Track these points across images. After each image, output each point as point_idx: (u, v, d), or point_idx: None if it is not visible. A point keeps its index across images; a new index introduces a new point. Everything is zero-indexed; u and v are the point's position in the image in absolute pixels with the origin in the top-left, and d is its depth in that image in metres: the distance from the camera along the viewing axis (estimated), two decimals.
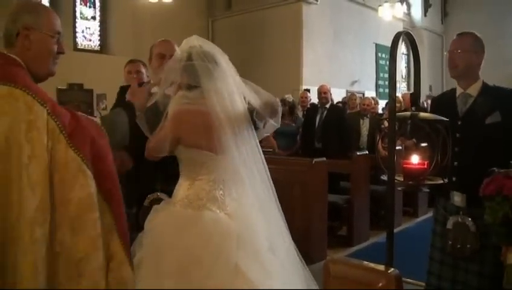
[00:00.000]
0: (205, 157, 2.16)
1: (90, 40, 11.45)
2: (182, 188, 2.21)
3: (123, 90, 3.09)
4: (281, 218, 2.29)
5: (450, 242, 2.51)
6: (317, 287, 2.18)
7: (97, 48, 11.53)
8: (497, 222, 1.96)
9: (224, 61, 2.28)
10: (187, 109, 2.18)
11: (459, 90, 2.66)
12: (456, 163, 2.52)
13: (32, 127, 1.39)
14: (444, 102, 2.77)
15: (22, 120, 1.38)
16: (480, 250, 2.42)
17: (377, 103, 7.70)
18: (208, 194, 2.15)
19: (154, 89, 2.32)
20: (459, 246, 2.47)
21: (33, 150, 1.38)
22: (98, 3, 11.58)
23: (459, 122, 2.57)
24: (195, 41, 2.30)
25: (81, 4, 11.26)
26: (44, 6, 1.77)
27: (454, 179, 2.53)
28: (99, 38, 11.61)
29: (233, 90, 2.27)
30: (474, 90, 2.60)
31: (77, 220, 1.42)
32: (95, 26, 11.57)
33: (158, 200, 2.48)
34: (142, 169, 2.62)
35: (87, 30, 11.44)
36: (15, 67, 1.53)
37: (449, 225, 2.53)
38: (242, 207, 2.21)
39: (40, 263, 1.36)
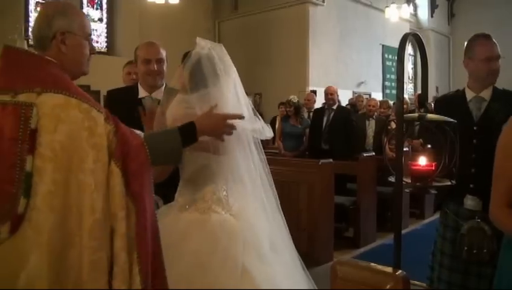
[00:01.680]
0: (208, 159, 2.15)
1: (97, 42, 11.50)
2: (186, 191, 2.19)
3: (111, 95, 3.08)
4: (281, 218, 2.29)
5: (465, 248, 2.46)
6: None
7: (104, 49, 11.57)
8: None
9: (232, 71, 2.27)
10: (189, 113, 2.12)
11: (470, 94, 2.61)
12: (473, 170, 2.48)
13: (93, 133, 1.41)
14: (454, 105, 2.67)
15: (81, 128, 1.40)
16: (496, 254, 2.39)
17: (389, 107, 7.60)
18: (212, 196, 2.14)
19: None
20: (475, 251, 2.43)
21: (98, 155, 1.40)
22: (104, 5, 11.63)
23: (475, 128, 2.53)
24: (208, 45, 2.29)
25: (88, 6, 11.32)
26: (76, 8, 1.74)
27: (471, 185, 2.49)
28: (106, 40, 11.66)
29: (239, 97, 2.26)
30: (486, 94, 2.57)
31: None
32: (101, 28, 11.62)
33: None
34: None
35: (94, 32, 11.48)
36: (62, 74, 1.53)
37: (463, 230, 2.49)
38: (245, 207, 2.20)
39: (105, 263, 1.40)
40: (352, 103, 9.49)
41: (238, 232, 2.07)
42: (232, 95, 2.20)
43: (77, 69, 1.66)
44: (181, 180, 2.23)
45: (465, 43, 2.70)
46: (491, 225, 2.38)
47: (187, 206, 2.15)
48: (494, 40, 2.59)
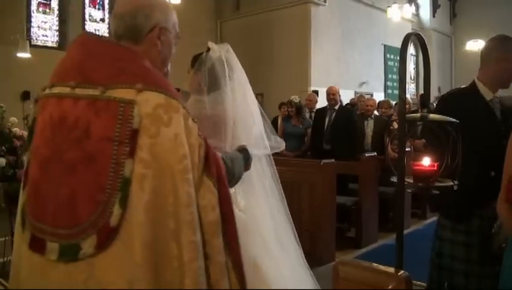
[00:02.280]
0: None
1: None
2: None
3: None
4: (287, 215, 2.33)
5: (502, 244, 2.41)
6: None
7: None
8: None
9: (243, 75, 2.35)
10: (204, 114, 2.17)
11: (488, 95, 2.57)
12: (493, 173, 2.41)
13: (190, 134, 1.23)
14: (470, 105, 2.58)
15: (182, 131, 1.22)
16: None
17: (390, 107, 7.57)
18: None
19: None
20: (504, 245, 2.40)
21: (193, 158, 1.22)
22: (106, 6, 11.64)
23: (502, 128, 2.48)
24: (220, 49, 2.35)
25: (90, 6, 11.33)
26: (171, 5, 1.58)
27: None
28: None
29: (248, 101, 2.32)
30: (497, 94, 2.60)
31: None
32: (104, 28, 11.62)
33: None
34: None
35: (96, 32, 11.50)
36: (158, 71, 1.36)
37: (496, 229, 2.43)
38: (252, 204, 2.23)
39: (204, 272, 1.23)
40: (352, 103, 9.47)
41: (248, 228, 2.10)
42: (241, 98, 2.26)
43: (162, 68, 1.49)
44: None
45: (485, 41, 2.66)
46: None
47: None
48: None
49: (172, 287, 1.17)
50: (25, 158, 1.36)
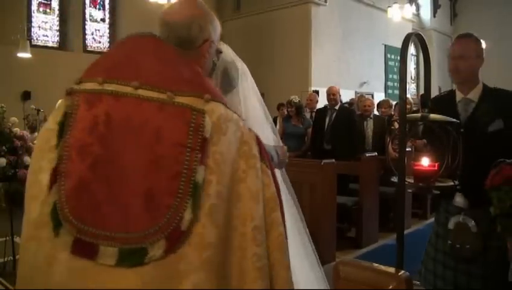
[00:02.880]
0: None
1: (99, 42, 11.53)
2: None
3: None
4: (300, 217, 2.40)
5: (449, 242, 2.49)
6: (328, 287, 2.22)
7: (106, 49, 11.58)
8: (504, 212, 1.93)
9: (250, 78, 2.42)
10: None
11: (459, 95, 2.59)
12: (458, 172, 2.48)
13: (242, 142, 1.28)
14: (443, 106, 2.67)
15: (236, 139, 1.27)
16: (483, 252, 2.39)
17: (390, 106, 7.59)
18: None
19: None
20: (458, 245, 2.45)
21: (247, 163, 1.26)
22: (107, 6, 11.66)
23: (462, 130, 2.48)
24: (229, 51, 2.41)
25: (90, 6, 11.34)
26: (216, 18, 1.57)
27: (458, 187, 2.50)
28: (108, 40, 11.69)
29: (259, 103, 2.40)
30: (475, 95, 2.54)
31: None
32: (104, 28, 11.65)
33: None
34: None
35: (97, 32, 11.52)
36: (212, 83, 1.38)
37: (450, 225, 2.50)
38: None
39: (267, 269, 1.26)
40: (349, 103, 9.46)
41: None
42: (253, 100, 2.32)
43: None
44: None
45: None
46: (477, 222, 2.39)
47: None
48: (470, 39, 2.55)
49: (237, 282, 1.21)
50: (53, 155, 1.21)
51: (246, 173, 1.25)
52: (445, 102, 2.67)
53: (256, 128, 2.28)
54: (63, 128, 1.23)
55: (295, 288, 1.39)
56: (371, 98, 7.73)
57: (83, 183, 1.17)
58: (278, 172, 2.39)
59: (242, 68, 2.32)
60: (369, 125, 6.87)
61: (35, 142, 5.61)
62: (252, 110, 2.31)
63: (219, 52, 1.58)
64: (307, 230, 2.47)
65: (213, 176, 1.19)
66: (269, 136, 2.34)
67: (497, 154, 2.28)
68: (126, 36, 1.37)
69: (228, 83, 2.26)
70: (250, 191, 1.25)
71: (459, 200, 2.50)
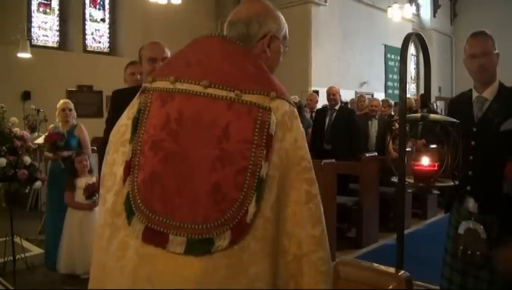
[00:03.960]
0: None
1: (99, 42, 11.53)
2: None
3: (117, 94, 3.08)
4: None
5: (461, 247, 2.46)
6: None
7: (106, 49, 11.60)
8: None
9: None
10: None
11: (475, 94, 2.56)
12: (470, 172, 2.45)
13: (296, 138, 1.35)
14: (460, 105, 2.64)
15: (301, 137, 1.36)
16: (491, 259, 2.35)
17: (389, 106, 7.62)
18: None
19: None
20: (469, 252, 2.42)
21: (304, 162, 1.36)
22: (107, 6, 11.65)
23: (474, 129, 2.48)
24: None
25: (90, 6, 11.34)
26: (282, 17, 1.63)
27: (468, 188, 2.47)
28: (108, 40, 11.69)
29: None
30: (490, 93, 2.50)
31: None
32: (104, 28, 11.64)
33: None
34: None
35: (97, 32, 11.51)
36: (277, 79, 1.44)
37: (460, 230, 2.47)
38: None
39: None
40: (345, 103, 9.43)
41: None
42: None
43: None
44: None
45: None
46: (487, 228, 2.37)
47: None
48: (486, 36, 2.52)
49: (285, 279, 1.28)
50: (126, 148, 1.29)
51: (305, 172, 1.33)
52: (462, 101, 2.64)
53: None
54: (136, 123, 1.31)
55: None
56: (378, 99, 7.74)
57: (154, 176, 1.23)
58: None
59: None
60: (374, 126, 6.88)
61: (35, 141, 5.58)
62: None
63: (286, 48, 1.62)
64: None
65: (277, 171, 1.25)
66: None
67: (509, 154, 2.25)
68: (195, 38, 1.45)
69: None
70: (306, 188, 1.33)
71: (469, 204, 2.47)
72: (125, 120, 1.36)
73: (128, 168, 1.27)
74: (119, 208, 1.25)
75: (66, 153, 4.81)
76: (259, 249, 1.21)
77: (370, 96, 10.74)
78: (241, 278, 1.19)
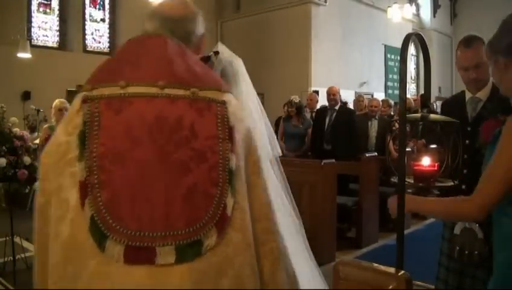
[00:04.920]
0: None
1: (99, 42, 11.53)
2: None
3: None
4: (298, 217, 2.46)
5: (457, 248, 2.47)
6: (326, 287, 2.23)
7: (106, 49, 11.61)
8: None
9: (248, 80, 2.51)
10: None
11: (468, 95, 2.59)
12: (465, 171, 2.46)
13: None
14: (453, 106, 2.69)
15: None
16: (489, 257, 2.38)
17: (389, 106, 7.63)
18: None
19: None
20: (467, 252, 2.43)
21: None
22: (107, 6, 11.66)
23: (469, 129, 2.51)
24: (228, 53, 2.49)
25: (90, 6, 11.34)
26: None
27: (463, 187, 2.48)
28: (108, 40, 11.69)
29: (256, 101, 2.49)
30: (483, 94, 2.54)
31: None
32: (104, 28, 11.64)
33: None
34: None
35: (97, 32, 11.52)
36: None
37: (456, 231, 2.48)
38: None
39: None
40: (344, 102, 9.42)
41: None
42: (250, 98, 2.39)
43: None
44: None
45: None
46: (482, 227, 2.38)
47: None
48: (477, 43, 2.50)
49: (263, 264, 1.30)
50: (75, 168, 1.15)
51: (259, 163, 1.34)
52: (455, 102, 2.67)
53: (256, 128, 2.37)
54: (84, 137, 1.18)
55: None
56: (377, 99, 7.75)
57: (126, 190, 1.15)
58: (274, 171, 2.46)
59: (238, 64, 2.39)
60: (373, 126, 6.89)
61: (35, 141, 5.56)
62: (251, 105, 2.39)
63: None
64: (303, 230, 2.51)
65: (242, 162, 1.27)
66: (264, 131, 2.42)
67: None
68: (131, 39, 1.39)
69: (226, 81, 2.32)
70: (263, 180, 1.34)
71: None
72: (63, 137, 1.21)
73: (85, 189, 1.13)
74: (82, 236, 1.11)
75: None
76: (241, 240, 1.22)
77: (370, 97, 10.76)
78: (229, 271, 1.18)
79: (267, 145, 2.40)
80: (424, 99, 2.46)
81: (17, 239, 4.64)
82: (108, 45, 11.65)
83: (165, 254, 1.12)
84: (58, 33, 10.74)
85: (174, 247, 1.13)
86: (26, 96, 9.29)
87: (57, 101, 5.12)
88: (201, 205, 1.18)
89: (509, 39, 1.79)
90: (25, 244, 4.85)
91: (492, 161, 1.71)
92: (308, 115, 7.41)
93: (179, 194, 1.17)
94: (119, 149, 1.17)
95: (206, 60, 2.34)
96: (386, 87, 14.74)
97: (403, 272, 1.56)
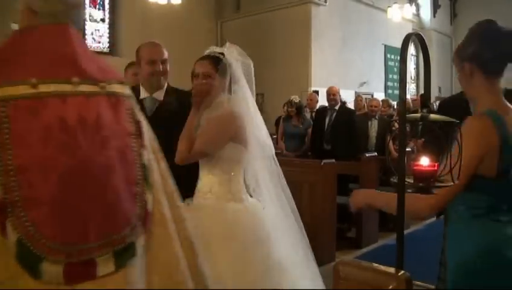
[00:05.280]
0: (241, 152, 2.37)
1: (99, 42, 11.53)
2: (221, 183, 2.37)
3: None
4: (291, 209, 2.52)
5: None
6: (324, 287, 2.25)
7: (106, 49, 11.60)
8: None
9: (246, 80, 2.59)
10: (237, 111, 2.40)
11: None
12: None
13: (144, 120, 1.34)
14: (453, 107, 2.69)
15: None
16: None
17: (389, 106, 7.64)
18: (242, 186, 2.39)
19: None
20: None
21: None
22: (107, 6, 11.66)
23: None
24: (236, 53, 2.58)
25: (90, 6, 11.34)
26: None
27: None
28: (108, 40, 11.69)
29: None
30: None
31: None
32: (104, 28, 11.64)
33: None
34: None
35: (97, 32, 11.52)
36: None
37: None
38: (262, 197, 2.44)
39: None
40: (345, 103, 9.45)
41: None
42: (250, 98, 2.48)
43: None
44: (210, 175, 2.40)
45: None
46: None
47: (226, 197, 2.36)
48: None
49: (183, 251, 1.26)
50: None
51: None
52: (454, 101, 2.68)
53: (257, 127, 2.42)
54: None
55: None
56: (377, 99, 7.76)
57: (57, 203, 1.02)
58: (273, 170, 2.51)
59: (237, 66, 2.49)
60: (373, 126, 6.89)
61: None
62: (251, 104, 2.46)
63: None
64: (303, 230, 2.58)
65: (151, 155, 1.23)
66: (262, 129, 2.49)
67: None
68: (31, 25, 1.19)
69: (234, 82, 2.46)
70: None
71: None
72: None
73: (4, 210, 0.97)
74: (12, 269, 0.96)
75: None
76: (163, 234, 1.19)
77: (370, 97, 10.76)
78: (158, 267, 1.16)
79: (266, 140, 2.45)
80: (424, 100, 2.46)
81: None
82: (108, 44, 11.65)
83: (105, 263, 1.05)
84: None
85: (112, 253, 1.07)
86: None
87: None
88: (129, 206, 1.13)
89: (475, 46, 1.89)
90: None
91: (447, 163, 1.79)
92: (308, 115, 7.41)
93: (107, 199, 1.10)
94: (40, 159, 1.01)
95: (217, 61, 2.41)
96: (386, 87, 14.75)
97: (402, 272, 1.56)
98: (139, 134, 1.20)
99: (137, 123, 1.21)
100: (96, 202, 1.07)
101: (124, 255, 1.09)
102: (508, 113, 1.96)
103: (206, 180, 2.37)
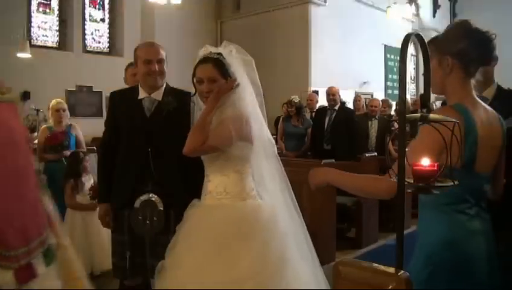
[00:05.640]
0: (249, 150, 2.39)
1: (99, 42, 11.52)
2: (235, 182, 2.37)
3: (115, 96, 3.06)
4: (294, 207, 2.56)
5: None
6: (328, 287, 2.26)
7: (106, 50, 11.60)
8: None
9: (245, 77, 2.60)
10: (249, 112, 2.42)
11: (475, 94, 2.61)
12: None
13: None
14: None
15: None
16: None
17: (389, 106, 7.65)
18: (252, 184, 2.42)
19: None
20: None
21: None
22: (107, 6, 11.65)
23: None
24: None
25: (90, 6, 11.33)
26: None
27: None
28: (108, 40, 11.68)
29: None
30: (490, 93, 2.55)
31: None
32: (104, 28, 11.63)
33: (149, 202, 2.56)
34: (133, 169, 2.67)
35: (96, 32, 11.51)
36: None
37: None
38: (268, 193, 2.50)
39: None
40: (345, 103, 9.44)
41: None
42: (251, 96, 2.52)
43: None
44: (221, 174, 2.39)
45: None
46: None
47: (241, 196, 2.38)
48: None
49: None
50: None
51: None
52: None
53: (257, 124, 2.44)
54: None
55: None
56: (377, 99, 7.77)
57: None
58: (274, 169, 2.54)
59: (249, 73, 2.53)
60: (373, 126, 6.90)
61: (35, 142, 5.54)
62: (253, 104, 2.48)
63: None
64: (305, 228, 2.59)
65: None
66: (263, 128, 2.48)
67: (508, 152, 2.28)
68: None
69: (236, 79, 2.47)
70: None
71: None
72: None
73: None
74: None
75: (68, 152, 4.84)
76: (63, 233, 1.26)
77: (370, 97, 10.76)
78: (64, 263, 1.22)
79: (269, 136, 2.48)
80: (424, 99, 2.46)
81: None
82: (108, 45, 11.64)
83: (39, 263, 1.11)
84: (58, 33, 10.72)
85: (42, 253, 1.12)
86: (26, 96, 9.28)
87: (53, 101, 5.13)
88: (40, 209, 1.18)
89: (464, 45, 1.90)
90: None
91: (409, 148, 1.82)
92: (308, 115, 7.41)
93: (27, 204, 1.13)
94: None
95: (220, 64, 2.41)
96: (386, 87, 14.74)
97: (402, 272, 1.56)
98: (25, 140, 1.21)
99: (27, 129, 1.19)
100: (17, 207, 1.12)
101: (51, 253, 1.17)
102: (477, 108, 1.95)
103: (218, 181, 2.35)
